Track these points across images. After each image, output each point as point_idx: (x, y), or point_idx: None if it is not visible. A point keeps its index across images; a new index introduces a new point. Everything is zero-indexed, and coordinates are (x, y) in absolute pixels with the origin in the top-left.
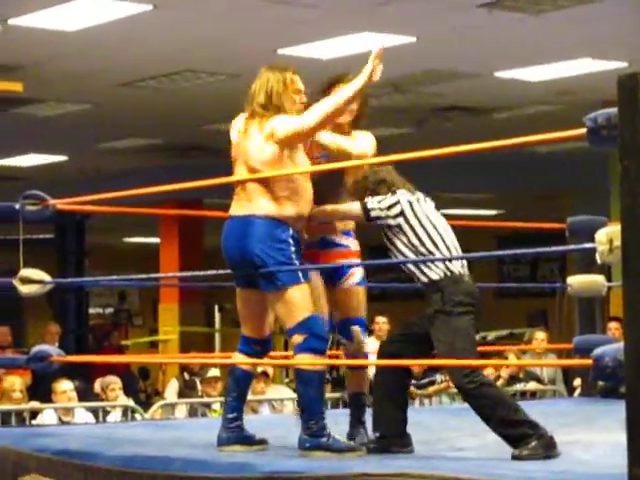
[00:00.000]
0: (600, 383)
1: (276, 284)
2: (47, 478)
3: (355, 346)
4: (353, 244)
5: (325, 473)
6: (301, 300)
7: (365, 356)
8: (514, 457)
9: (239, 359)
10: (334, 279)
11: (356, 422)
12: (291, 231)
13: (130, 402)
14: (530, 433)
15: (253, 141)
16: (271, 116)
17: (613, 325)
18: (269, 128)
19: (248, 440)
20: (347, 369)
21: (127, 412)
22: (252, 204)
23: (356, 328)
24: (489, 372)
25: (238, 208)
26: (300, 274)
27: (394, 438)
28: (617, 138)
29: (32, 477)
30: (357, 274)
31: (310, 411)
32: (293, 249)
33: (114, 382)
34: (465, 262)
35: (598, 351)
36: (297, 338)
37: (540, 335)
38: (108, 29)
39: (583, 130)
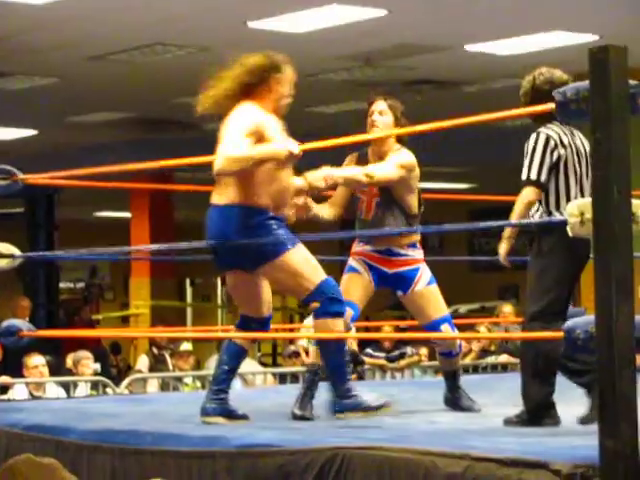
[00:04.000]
0: None
1: (272, 255)
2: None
3: (448, 345)
4: (418, 253)
5: (299, 447)
6: (305, 264)
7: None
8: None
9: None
10: (404, 288)
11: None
12: (270, 214)
13: (101, 376)
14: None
15: None
16: None
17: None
18: None
19: (231, 413)
20: None
21: (98, 386)
22: (230, 192)
23: (445, 327)
24: (463, 344)
25: (217, 197)
26: (292, 240)
27: (542, 411)
28: (586, 111)
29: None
30: (424, 277)
31: (337, 376)
32: (274, 225)
33: (86, 357)
34: None
35: (569, 324)
36: (314, 304)
37: (507, 308)
38: (77, 2)
39: (552, 105)
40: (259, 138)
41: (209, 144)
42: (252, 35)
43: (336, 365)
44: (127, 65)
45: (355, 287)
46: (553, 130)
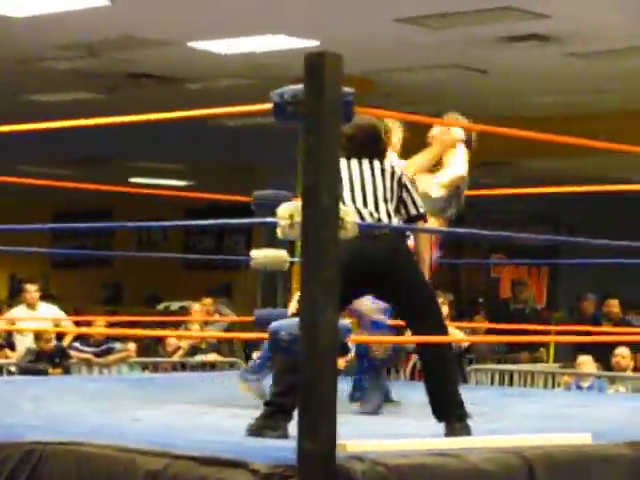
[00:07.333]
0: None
1: None
2: None
3: None
4: None
5: None
6: None
7: None
8: None
9: None
10: None
11: None
12: None
13: None
14: None
15: None
16: None
17: None
18: None
19: None
20: None
21: None
22: None
23: None
24: (173, 342)
25: None
26: None
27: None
28: (301, 115)
29: None
30: None
31: None
32: None
33: None
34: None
35: (275, 325)
36: None
37: (196, 307)
38: None
39: (270, 105)
40: None
41: None
42: None
43: None
44: None
45: None
46: None
